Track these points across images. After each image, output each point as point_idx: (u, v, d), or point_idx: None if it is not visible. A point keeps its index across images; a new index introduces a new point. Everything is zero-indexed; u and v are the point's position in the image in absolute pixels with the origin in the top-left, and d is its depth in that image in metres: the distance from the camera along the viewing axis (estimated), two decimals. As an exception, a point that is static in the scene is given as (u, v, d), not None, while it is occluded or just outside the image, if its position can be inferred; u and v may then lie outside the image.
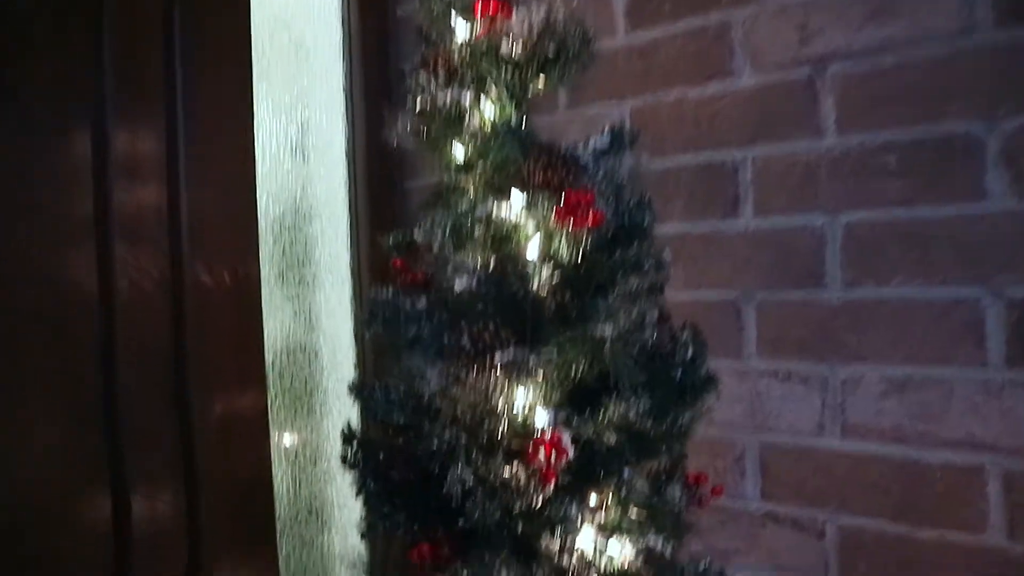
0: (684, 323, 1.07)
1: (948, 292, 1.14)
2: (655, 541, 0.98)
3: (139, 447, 1.09)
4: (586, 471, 1.01)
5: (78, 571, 1.03)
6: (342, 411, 1.46)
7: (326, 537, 1.41)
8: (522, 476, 0.92)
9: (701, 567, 1.11)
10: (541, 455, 0.90)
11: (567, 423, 0.96)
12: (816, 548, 1.28)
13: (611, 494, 1.01)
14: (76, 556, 1.03)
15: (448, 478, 0.92)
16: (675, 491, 1.07)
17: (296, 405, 1.39)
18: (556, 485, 0.95)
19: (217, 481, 1.18)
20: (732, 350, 1.33)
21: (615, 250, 1.03)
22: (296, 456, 1.41)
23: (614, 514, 1.01)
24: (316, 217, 1.43)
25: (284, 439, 1.40)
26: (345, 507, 1.45)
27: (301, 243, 1.39)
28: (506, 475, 0.92)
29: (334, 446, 1.47)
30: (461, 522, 0.94)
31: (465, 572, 0.96)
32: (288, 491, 1.39)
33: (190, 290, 1.15)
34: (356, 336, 1.45)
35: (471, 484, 0.92)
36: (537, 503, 0.94)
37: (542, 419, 0.95)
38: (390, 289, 1.05)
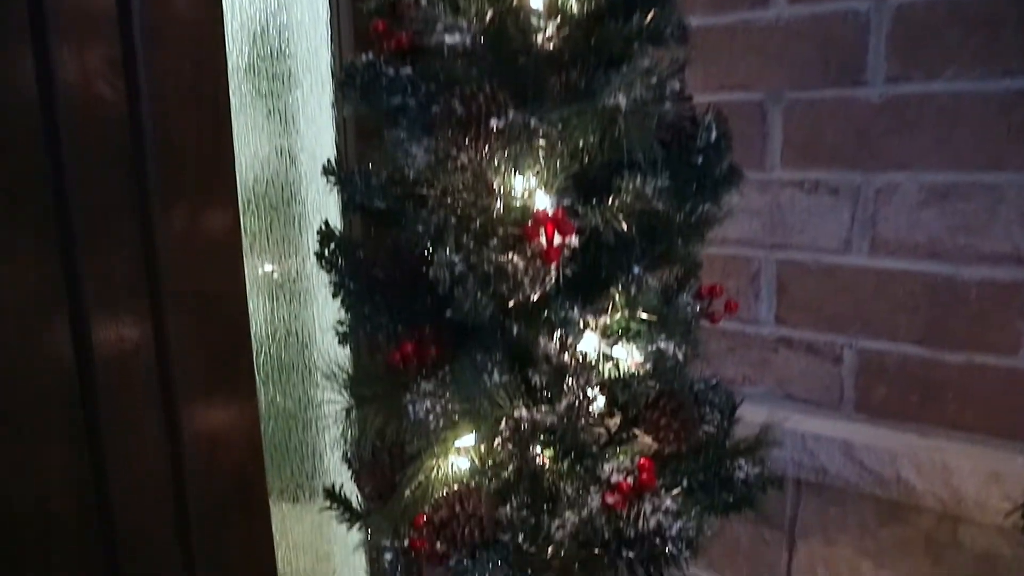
0: (708, 106, 0.93)
1: (1013, 84, 1.00)
2: (666, 345, 0.88)
3: (96, 266, 0.97)
4: (591, 269, 0.90)
5: (41, 406, 0.93)
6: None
7: (306, 357, 1.33)
8: (519, 263, 0.81)
9: (711, 382, 1.02)
10: (542, 235, 0.78)
11: (571, 212, 0.84)
12: (831, 374, 1.20)
13: (618, 294, 0.90)
14: (37, 390, 0.93)
15: (435, 262, 0.80)
16: (687, 301, 0.97)
17: (272, 216, 1.27)
18: (557, 277, 0.84)
19: (185, 301, 1.07)
20: (754, 159, 1.20)
21: (632, 15, 0.88)
22: (273, 276, 1.30)
23: (621, 317, 0.90)
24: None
25: (260, 260, 1.29)
26: (328, 331, 1.35)
27: (275, 32, 1.22)
28: (501, 261, 0.80)
29: (315, 267, 1.36)
30: (449, 314, 0.83)
31: (453, 372, 0.86)
32: (265, 314, 1.29)
33: (146, 89, 1.00)
34: (337, 128, 1.30)
35: (461, 270, 0.81)
36: (535, 294, 0.84)
37: (543, 204, 0.83)
38: (370, 55, 0.89)
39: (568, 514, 0.82)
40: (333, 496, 1.11)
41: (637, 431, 0.99)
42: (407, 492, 0.96)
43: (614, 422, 1.02)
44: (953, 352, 1.09)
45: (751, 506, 1.02)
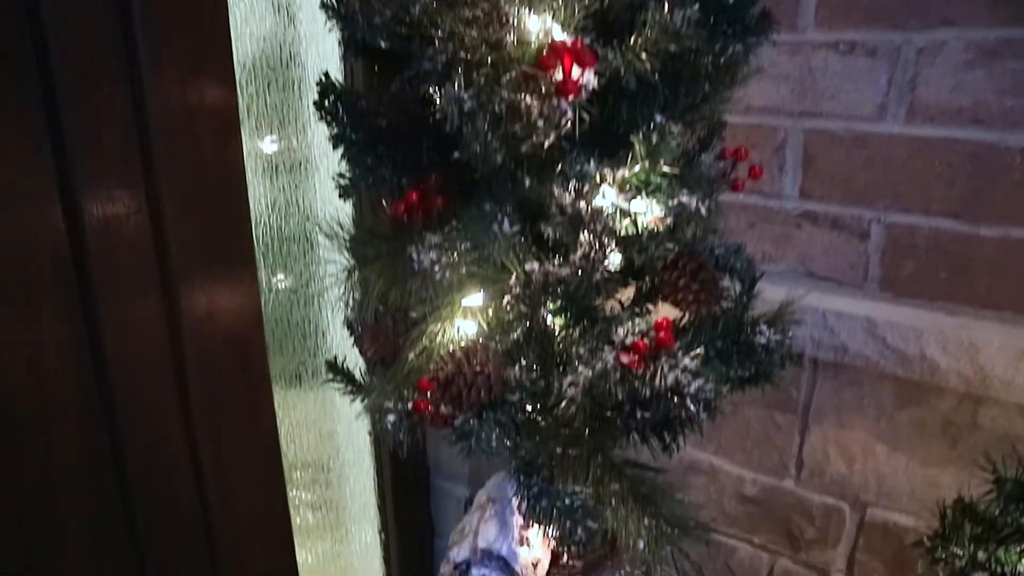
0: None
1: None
2: (688, 199, 0.82)
3: (85, 136, 0.91)
4: (610, 120, 0.83)
5: (31, 278, 0.88)
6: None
7: (307, 230, 1.27)
8: (533, 103, 0.74)
9: (733, 246, 0.97)
10: (559, 67, 0.71)
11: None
12: (856, 250, 1.14)
13: (639, 144, 0.83)
14: (26, 262, 0.88)
15: (442, 97, 0.74)
16: (710, 162, 0.90)
17: (270, 79, 1.19)
18: (574, 121, 0.78)
19: (179, 171, 1.01)
20: (785, 18, 1.11)
21: None
22: (272, 145, 1.23)
23: (641, 169, 0.83)
24: None
25: (258, 128, 1.22)
26: (329, 203, 1.30)
27: None
28: (513, 99, 0.74)
29: (316, 135, 1.29)
30: (456, 155, 0.77)
31: (461, 222, 0.81)
32: (264, 185, 1.23)
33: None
34: None
35: (470, 107, 0.74)
36: (549, 138, 0.77)
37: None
38: None
39: (581, 369, 0.78)
40: (335, 368, 1.08)
41: (652, 307, 0.94)
42: (411, 356, 0.92)
43: (628, 295, 0.97)
44: (989, 226, 1.03)
45: (768, 380, 0.98)
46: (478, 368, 0.80)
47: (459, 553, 0.95)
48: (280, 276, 1.27)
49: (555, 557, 1.13)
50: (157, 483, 1.04)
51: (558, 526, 0.82)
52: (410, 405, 0.87)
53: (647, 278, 0.96)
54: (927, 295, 1.10)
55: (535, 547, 1.01)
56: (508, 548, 0.93)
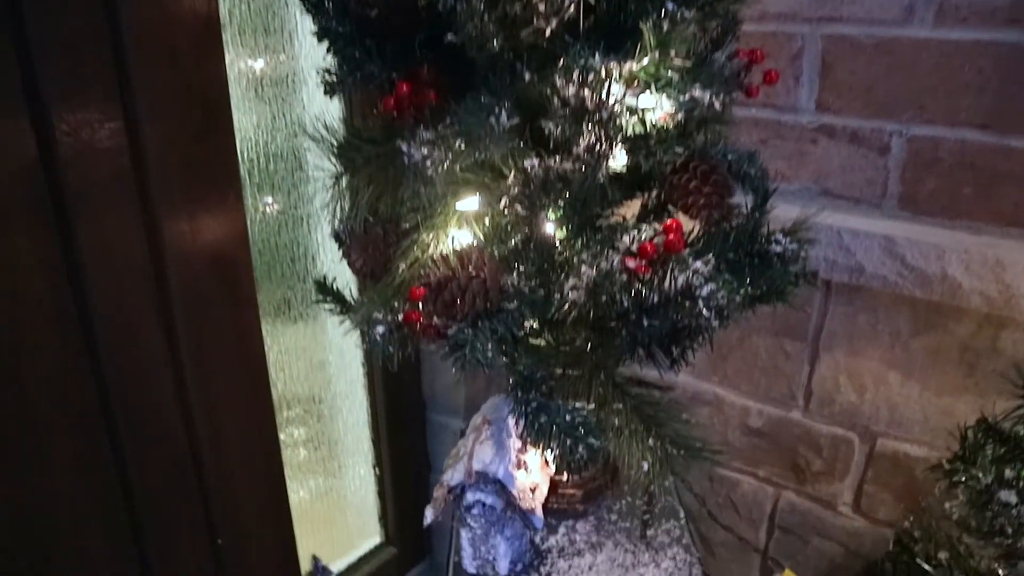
0: None
1: None
2: (701, 93, 0.75)
3: (54, 49, 0.83)
4: (617, 10, 0.76)
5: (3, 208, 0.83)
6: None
7: (295, 147, 1.20)
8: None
9: (746, 153, 0.90)
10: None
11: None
12: (875, 166, 1.08)
13: (648, 33, 0.77)
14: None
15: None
16: (723, 61, 0.83)
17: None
18: (576, 7, 0.71)
19: (159, 92, 0.94)
20: (808, -87, 1.03)
21: None
22: (260, 68, 1.16)
23: (650, 62, 0.77)
24: None
25: (242, 43, 1.14)
26: (318, 118, 1.23)
27: None
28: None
29: (304, 48, 1.22)
30: (450, 38, 0.70)
31: (456, 115, 0.74)
32: (248, 104, 1.15)
33: None
34: None
35: (465, -15, 0.67)
36: (550, 24, 0.71)
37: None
38: None
39: (584, 269, 0.72)
40: (325, 289, 1.02)
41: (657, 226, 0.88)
42: (402, 267, 0.86)
43: (632, 210, 0.92)
44: (1021, 137, 0.97)
45: (782, 298, 0.93)
46: (473, 272, 0.74)
47: (453, 476, 0.91)
48: (267, 198, 1.21)
49: (554, 485, 1.09)
50: (141, 408, 0.99)
51: (558, 444, 0.78)
52: (400, 317, 0.82)
53: (654, 190, 0.90)
54: (949, 213, 1.04)
55: (533, 472, 0.96)
56: (504, 471, 0.89)
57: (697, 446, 0.86)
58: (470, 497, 0.93)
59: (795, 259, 0.85)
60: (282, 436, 1.23)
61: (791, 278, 0.90)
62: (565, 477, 1.09)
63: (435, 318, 0.79)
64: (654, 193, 0.90)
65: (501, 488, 0.91)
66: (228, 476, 1.13)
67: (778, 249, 0.83)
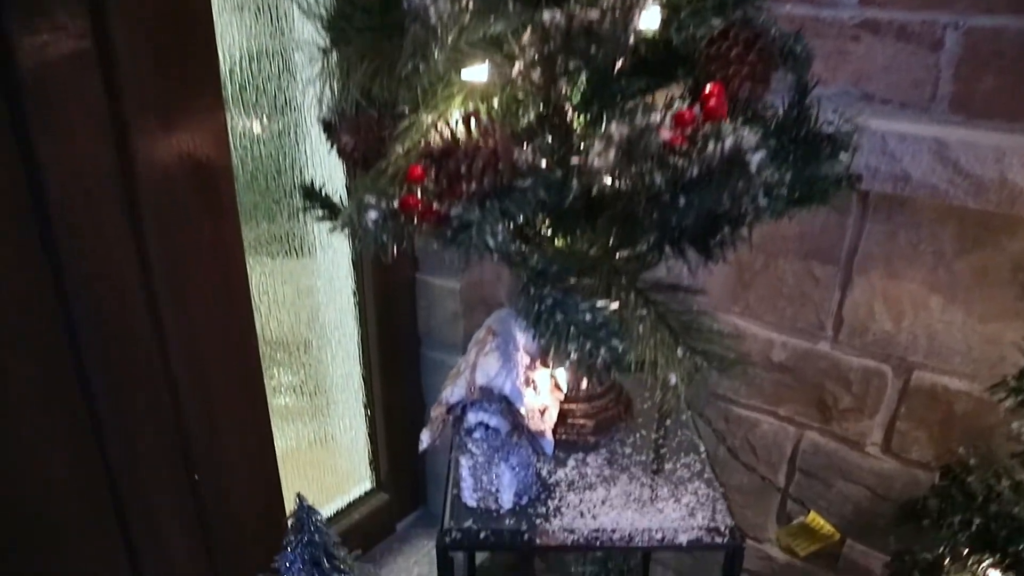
0: None
1: None
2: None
3: None
4: None
5: None
6: None
7: (281, 45, 1.09)
8: None
9: (790, 32, 0.79)
10: None
11: None
12: (925, 64, 0.97)
13: None
14: None
15: None
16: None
17: None
18: None
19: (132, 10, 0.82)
20: None
21: None
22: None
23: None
24: None
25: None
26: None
27: None
28: None
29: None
30: None
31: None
32: (231, 19, 1.03)
33: None
34: None
35: None
36: None
37: None
38: None
39: (615, 128, 0.61)
40: (311, 193, 0.92)
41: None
42: (398, 150, 0.75)
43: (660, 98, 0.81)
44: (1093, 24, 0.86)
45: (824, 199, 0.83)
46: (481, 141, 0.63)
47: (453, 393, 0.81)
48: (250, 97, 1.10)
49: (563, 415, 0.99)
50: (109, 330, 0.89)
51: (576, 347, 0.67)
52: (396, 203, 0.71)
53: (686, 72, 0.79)
54: (1009, 115, 0.93)
55: (542, 393, 0.87)
56: (511, 386, 0.79)
57: (730, 357, 0.77)
58: (471, 418, 0.83)
59: (847, 144, 0.75)
60: (266, 370, 1.13)
61: (840, 173, 0.80)
62: (575, 406, 1.00)
63: (436, 202, 0.68)
64: (685, 76, 0.80)
65: (507, 408, 0.81)
66: (207, 405, 1.03)
67: (829, 130, 0.72)
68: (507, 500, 0.89)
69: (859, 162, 0.96)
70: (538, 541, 0.85)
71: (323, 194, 0.92)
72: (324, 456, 1.38)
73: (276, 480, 1.17)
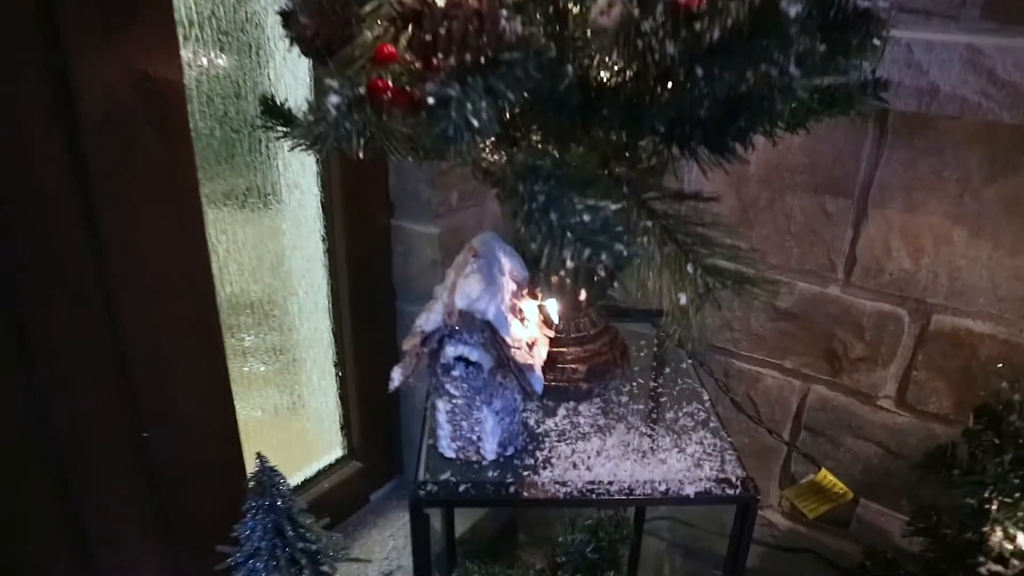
0: None
1: None
2: None
3: None
4: None
5: None
6: None
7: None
8: None
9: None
10: None
11: None
12: (953, -32, 0.87)
13: None
14: None
15: None
16: None
17: None
18: None
19: None
20: None
21: None
22: None
23: None
24: None
25: None
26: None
27: None
28: None
29: None
30: None
31: None
32: None
33: None
34: None
35: None
36: None
37: None
38: None
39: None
40: (271, 107, 0.80)
41: None
42: (367, 35, 0.65)
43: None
44: None
45: (849, 106, 0.73)
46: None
47: (428, 320, 0.70)
48: (205, 9, 0.98)
49: (551, 359, 0.89)
50: (45, 266, 0.77)
51: (574, 252, 0.57)
52: (362, 90, 0.61)
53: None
54: (1047, 19, 0.84)
55: (531, 326, 0.76)
56: (496, 311, 0.68)
57: (748, 274, 0.67)
58: (450, 351, 0.72)
59: (881, 25, 0.65)
60: (225, 322, 1.02)
61: (866, 76, 0.71)
62: (566, 349, 0.90)
63: (409, 85, 0.57)
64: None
65: (490, 339, 0.71)
66: (157, 356, 0.92)
67: (865, 4, 0.62)
68: (490, 450, 0.79)
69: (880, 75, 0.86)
70: (526, 494, 0.75)
71: (285, 108, 0.81)
72: (290, 420, 1.27)
73: (236, 440, 1.06)
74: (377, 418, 1.36)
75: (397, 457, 1.44)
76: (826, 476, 1.01)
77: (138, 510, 0.96)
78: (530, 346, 0.74)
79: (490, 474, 0.78)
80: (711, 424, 0.87)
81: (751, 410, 1.17)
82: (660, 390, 0.94)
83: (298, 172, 1.14)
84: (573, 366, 0.90)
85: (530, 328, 0.76)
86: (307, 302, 1.22)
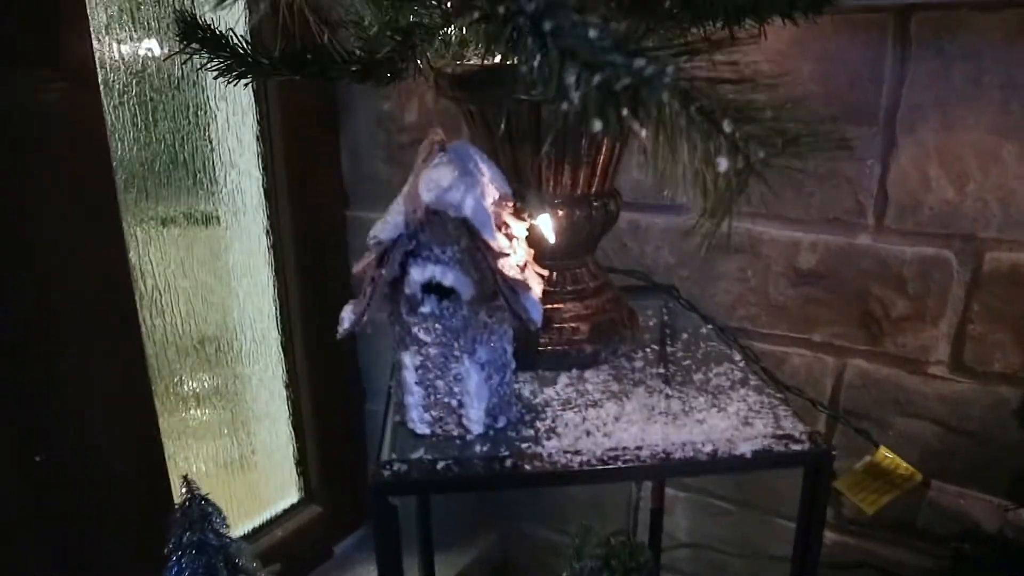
0: None
1: None
2: None
3: None
4: None
5: None
6: None
7: None
8: None
9: None
10: None
11: None
12: None
13: None
14: None
15: None
16: None
17: None
18: None
19: None
20: None
21: None
22: None
23: None
24: None
25: None
26: None
27: None
28: None
29: None
30: None
31: None
32: None
33: None
34: None
35: None
36: None
37: None
38: None
39: None
40: (190, 27, 0.66)
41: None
42: None
43: None
44: None
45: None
46: None
47: (386, 228, 0.53)
48: None
49: (548, 319, 0.71)
50: None
51: (579, 77, 0.41)
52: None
53: None
54: None
55: (519, 250, 0.59)
56: (475, 203, 0.51)
57: (801, 136, 0.51)
58: (416, 276, 0.54)
59: None
60: (147, 321, 0.83)
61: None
62: (563, 305, 0.72)
63: None
64: None
65: (469, 252, 0.53)
66: (59, 371, 0.73)
67: None
68: (475, 419, 0.60)
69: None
70: (528, 468, 0.56)
71: (208, 27, 0.66)
72: (231, 451, 1.06)
73: (160, 460, 0.86)
74: (339, 453, 1.15)
75: (363, 500, 1.23)
76: (886, 455, 0.83)
77: (33, 547, 0.75)
78: (521, 269, 0.56)
79: (478, 448, 0.59)
80: (751, 382, 0.69)
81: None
82: (680, 354, 0.76)
83: (235, 151, 0.97)
84: (573, 325, 0.72)
85: (519, 252, 0.58)
86: (248, 305, 1.03)
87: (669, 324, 0.85)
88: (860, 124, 0.87)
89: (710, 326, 0.84)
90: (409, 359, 0.58)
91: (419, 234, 0.54)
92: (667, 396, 0.67)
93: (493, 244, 0.52)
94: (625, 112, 0.42)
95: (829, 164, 0.89)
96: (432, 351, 0.58)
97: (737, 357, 0.75)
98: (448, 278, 0.54)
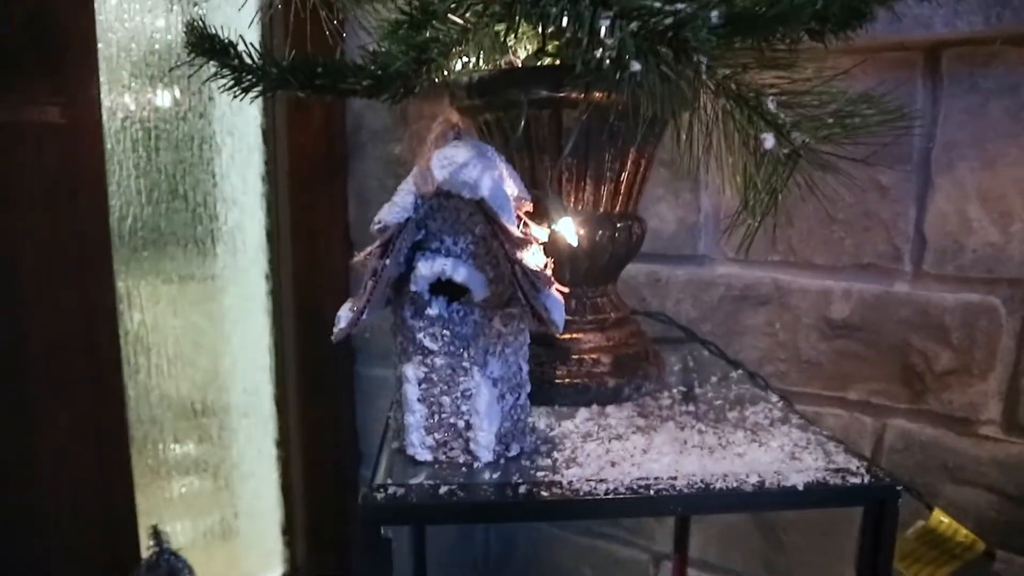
0: None
1: None
2: None
3: None
4: None
5: None
6: None
7: None
8: None
9: None
10: None
11: None
12: None
13: None
14: None
15: None
16: None
17: None
18: None
19: None
20: None
21: None
22: None
23: None
24: None
25: None
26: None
27: None
28: None
29: None
30: None
31: None
32: None
33: None
34: None
35: None
36: None
37: None
38: None
39: None
40: (200, 37, 0.63)
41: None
42: None
43: None
44: None
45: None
46: None
47: (392, 211, 0.47)
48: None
49: (566, 350, 0.65)
50: None
51: (612, 27, 0.37)
52: None
53: None
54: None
55: (538, 253, 0.53)
56: (493, 184, 0.46)
57: (853, 121, 0.47)
58: (424, 270, 0.48)
59: None
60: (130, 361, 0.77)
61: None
62: (583, 335, 0.66)
63: None
64: None
65: (483, 243, 0.48)
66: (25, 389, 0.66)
67: None
68: (485, 444, 0.53)
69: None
70: (545, 495, 0.48)
71: (217, 40, 0.64)
72: (210, 516, 0.97)
73: (130, 506, 0.77)
74: (330, 521, 1.06)
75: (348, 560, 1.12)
76: (941, 519, 0.74)
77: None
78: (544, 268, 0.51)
79: (487, 475, 0.51)
80: (794, 421, 0.62)
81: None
82: (711, 395, 0.69)
83: (239, 188, 0.94)
84: (593, 356, 0.66)
85: (537, 255, 0.53)
86: (242, 359, 0.97)
87: (695, 369, 0.79)
88: (893, 163, 0.83)
89: (740, 371, 0.77)
90: (412, 371, 0.52)
91: (429, 222, 0.49)
92: (700, 432, 0.59)
93: (512, 230, 0.46)
94: (664, 50, 0.37)
95: (861, 208, 0.85)
96: (438, 361, 0.51)
97: (774, 398, 0.68)
98: (460, 274, 0.49)
